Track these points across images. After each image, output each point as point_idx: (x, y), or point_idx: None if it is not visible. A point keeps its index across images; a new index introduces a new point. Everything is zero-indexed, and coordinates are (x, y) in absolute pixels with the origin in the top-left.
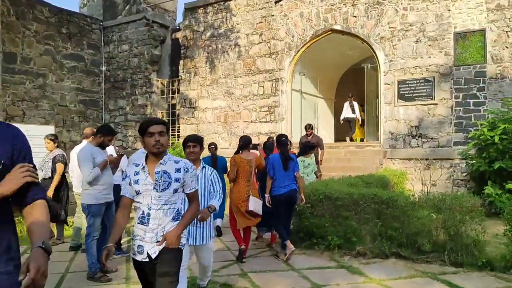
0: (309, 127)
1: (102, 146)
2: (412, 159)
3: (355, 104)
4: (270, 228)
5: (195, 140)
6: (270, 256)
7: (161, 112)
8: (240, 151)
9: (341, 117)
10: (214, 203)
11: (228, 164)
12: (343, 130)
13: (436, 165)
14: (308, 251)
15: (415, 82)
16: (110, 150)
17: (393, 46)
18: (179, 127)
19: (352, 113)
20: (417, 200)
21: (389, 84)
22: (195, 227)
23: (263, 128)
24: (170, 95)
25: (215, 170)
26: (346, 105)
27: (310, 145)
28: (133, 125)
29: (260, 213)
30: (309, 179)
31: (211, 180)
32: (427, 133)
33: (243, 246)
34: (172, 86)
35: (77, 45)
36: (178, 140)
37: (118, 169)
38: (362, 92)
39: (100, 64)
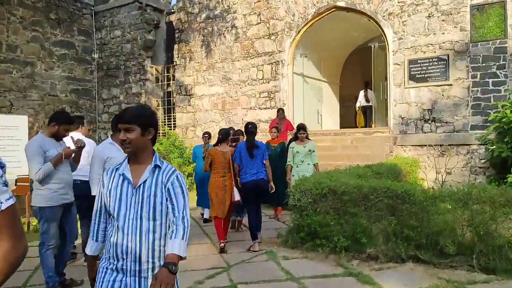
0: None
1: (57, 137)
2: (425, 145)
3: (370, 92)
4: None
5: None
6: (265, 261)
7: (156, 101)
8: (219, 144)
9: (357, 105)
10: (176, 247)
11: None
12: (348, 116)
13: (451, 152)
14: (310, 253)
15: (428, 61)
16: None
17: (402, 22)
18: (175, 116)
19: (366, 101)
20: (437, 193)
21: (398, 64)
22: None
23: (263, 115)
24: (166, 82)
25: (178, 172)
26: (361, 93)
27: (300, 126)
28: None
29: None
30: (300, 172)
31: (168, 190)
32: (441, 117)
33: (222, 244)
34: (168, 72)
35: (67, 32)
36: (174, 129)
37: (86, 164)
38: (369, 75)
39: (92, 51)
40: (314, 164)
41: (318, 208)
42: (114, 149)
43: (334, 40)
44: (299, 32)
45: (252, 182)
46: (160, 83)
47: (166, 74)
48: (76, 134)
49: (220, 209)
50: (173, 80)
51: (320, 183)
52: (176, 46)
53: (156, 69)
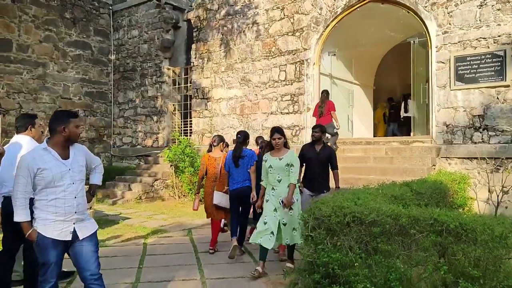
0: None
1: None
2: (475, 158)
3: (409, 101)
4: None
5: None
6: None
7: (173, 105)
8: (212, 149)
9: (401, 115)
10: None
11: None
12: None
13: (508, 166)
14: None
15: (479, 58)
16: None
17: (448, 13)
18: (191, 121)
19: (405, 111)
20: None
21: (443, 63)
22: None
23: (285, 121)
24: (183, 85)
25: None
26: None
27: (275, 129)
28: (143, 119)
29: (228, 207)
30: (276, 197)
31: None
32: (496, 125)
33: (211, 251)
34: (186, 75)
35: (82, 32)
36: (191, 136)
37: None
38: (409, 76)
39: (108, 53)
40: (291, 184)
41: (338, 242)
42: (49, 158)
43: (367, 36)
44: (327, 27)
45: (236, 190)
46: (177, 86)
47: (184, 76)
48: (23, 138)
49: (211, 213)
50: (191, 82)
51: (341, 208)
52: (193, 46)
53: (173, 71)
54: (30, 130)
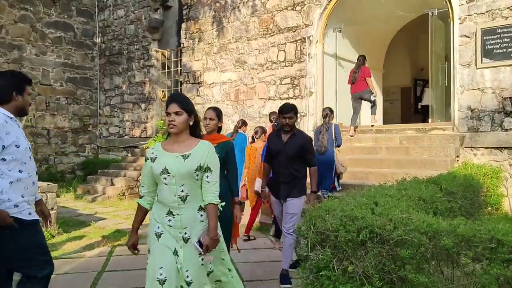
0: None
1: None
2: (506, 148)
3: (426, 89)
4: None
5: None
6: None
7: (162, 91)
8: (255, 141)
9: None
10: None
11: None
12: (394, 111)
13: None
14: None
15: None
16: None
17: None
18: None
19: (419, 101)
20: None
21: (467, 37)
22: None
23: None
24: (173, 69)
25: None
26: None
27: (172, 97)
28: (130, 107)
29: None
30: (181, 217)
31: None
32: None
33: (245, 237)
34: (177, 58)
35: (63, 11)
36: None
37: None
38: (419, 59)
39: (93, 35)
40: (209, 204)
41: (350, 267)
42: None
43: (378, 10)
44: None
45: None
46: (166, 70)
47: (174, 59)
48: None
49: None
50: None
51: (354, 219)
52: (183, 25)
53: (162, 54)
54: None
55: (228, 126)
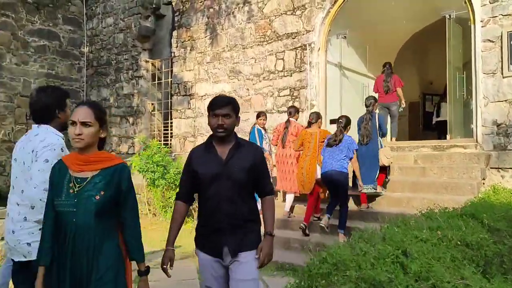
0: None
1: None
2: None
3: (443, 104)
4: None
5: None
6: None
7: (152, 104)
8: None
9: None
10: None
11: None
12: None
13: None
14: None
15: None
16: None
17: None
18: (171, 123)
19: (437, 116)
20: None
21: (491, 41)
22: None
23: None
24: (163, 80)
25: None
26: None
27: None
28: (117, 121)
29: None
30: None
31: None
32: None
33: (303, 225)
34: (168, 68)
35: (48, 19)
36: (171, 140)
37: None
38: (428, 72)
39: (81, 44)
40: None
41: None
42: None
43: (387, 15)
44: (335, 2)
45: (324, 174)
46: (157, 82)
47: (165, 70)
48: None
49: (303, 186)
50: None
51: (377, 285)
52: (175, 33)
53: (153, 64)
54: None
55: None
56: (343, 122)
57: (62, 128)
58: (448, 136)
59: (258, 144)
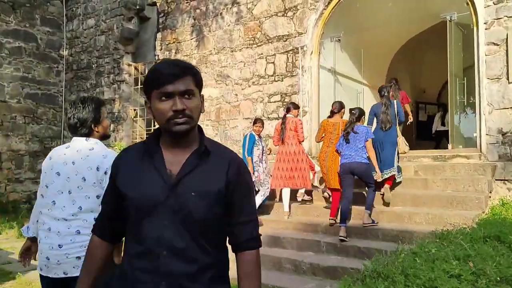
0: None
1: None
2: None
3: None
4: None
5: None
6: None
7: (134, 110)
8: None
9: (433, 129)
10: None
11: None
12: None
13: None
14: None
15: None
16: None
17: None
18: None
19: (442, 124)
20: None
21: (496, 44)
22: None
23: (273, 128)
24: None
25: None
26: (437, 116)
27: None
28: None
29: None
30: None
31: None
32: None
33: (331, 221)
34: None
35: (25, 19)
36: None
37: None
38: (421, 80)
39: (60, 47)
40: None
41: None
42: None
43: (383, 17)
44: (328, 3)
45: (344, 165)
46: (139, 86)
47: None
48: None
49: (328, 179)
50: None
51: None
52: (159, 35)
53: (135, 68)
54: None
55: None
56: (356, 114)
57: (102, 139)
58: (449, 146)
59: (246, 151)
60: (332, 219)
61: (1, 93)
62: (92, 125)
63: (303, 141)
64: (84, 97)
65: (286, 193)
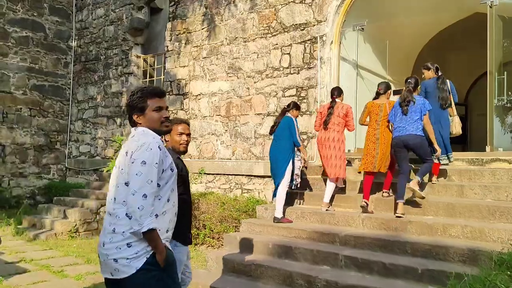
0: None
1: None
2: None
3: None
4: None
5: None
6: None
7: None
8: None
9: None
10: None
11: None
12: None
13: None
14: None
15: None
16: None
17: None
18: None
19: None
20: None
21: None
22: None
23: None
24: (155, 78)
25: None
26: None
27: None
28: (104, 122)
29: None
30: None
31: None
32: None
33: (364, 203)
34: (161, 65)
35: (33, 8)
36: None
37: None
38: (461, 68)
39: (69, 38)
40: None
41: None
42: None
43: (412, 4)
44: None
45: (397, 138)
46: (148, 79)
47: (158, 67)
48: None
49: (368, 162)
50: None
51: None
52: (168, 25)
53: (144, 60)
54: None
55: (216, 148)
56: (413, 82)
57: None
58: (487, 148)
59: (298, 138)
60: (364, 201)
61: (6, 84)
62: (136, 116)
63: (353, 130)
64: (138, 88)
65: (332, 185)
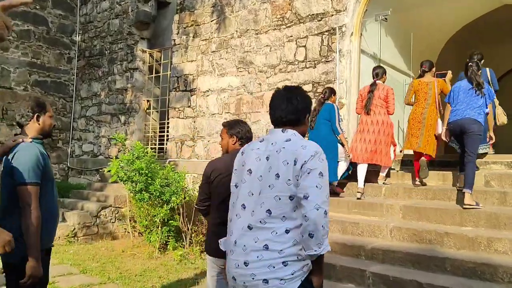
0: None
1: None
2: None
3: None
4: None
5: None
6: None
7: (148, 101)
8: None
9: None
10: None
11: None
12: None
13: None
14: None
15: None
16: None
17: None
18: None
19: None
20: None
21: None
22: None
23: None
24: (162, 73)
25: None
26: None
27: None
28: (107, 120)
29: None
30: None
31: None
32: None
33: (418, 182)
34: (167, 60)
35: (34, 1)
36: (167, 143)
37: None
38: (493, 66)
39: (73, 32)
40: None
41: None
42: None
43: None
44: None
45: (453, 123)
46: (154, 75)
47: (164, 62)
48: None
49: (412, 141)
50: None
51: None
52: (175, 17)
53: (150, 55)
54: None
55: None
56: (477, 57)
57: None
58: None
59: (338, 125)
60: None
61: (6, 79)
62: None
63: (392, 113)
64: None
65: (363, 169)
